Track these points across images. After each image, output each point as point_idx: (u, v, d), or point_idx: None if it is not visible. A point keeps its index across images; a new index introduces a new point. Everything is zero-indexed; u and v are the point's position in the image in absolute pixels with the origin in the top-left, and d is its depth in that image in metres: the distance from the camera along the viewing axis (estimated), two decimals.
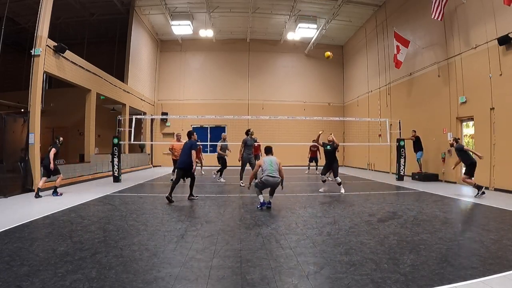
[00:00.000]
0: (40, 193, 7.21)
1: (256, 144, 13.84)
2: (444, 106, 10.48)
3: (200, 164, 12.85)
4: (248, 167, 9.32)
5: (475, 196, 7.12)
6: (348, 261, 3.19)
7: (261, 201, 6.01)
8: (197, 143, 7.24)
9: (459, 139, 8.11)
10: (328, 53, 11.23)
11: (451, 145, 7.81)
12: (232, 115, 14.58)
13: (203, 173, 13.39)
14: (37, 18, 8.53)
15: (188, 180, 7.65)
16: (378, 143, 13.92)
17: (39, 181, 7.50)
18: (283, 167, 6.17)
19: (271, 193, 6.12)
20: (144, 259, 3.22)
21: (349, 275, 2.82)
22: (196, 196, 7.06)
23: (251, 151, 9.35)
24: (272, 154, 6.29)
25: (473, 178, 7.35)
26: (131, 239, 3.95)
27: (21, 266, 2.98)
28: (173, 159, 10.46)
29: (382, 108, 14.84)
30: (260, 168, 6.08)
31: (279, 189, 6.17)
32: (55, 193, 7.38)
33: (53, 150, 7.39)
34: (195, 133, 7.29)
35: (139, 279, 2.74)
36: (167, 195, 6.56)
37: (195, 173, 7.09)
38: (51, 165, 7.31)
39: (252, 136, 9.53)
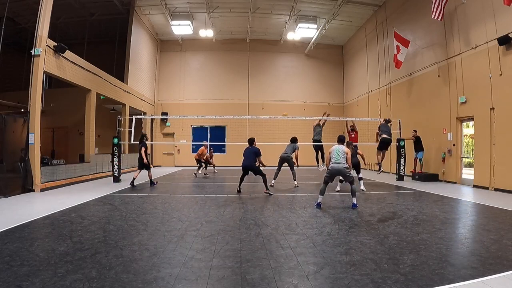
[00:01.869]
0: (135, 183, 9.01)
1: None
2: (444, 106, 10.48)
3: (213, 165, 14.19)
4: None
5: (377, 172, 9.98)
6: (348, 261, 3.18)
7: (318, 201, 6.08)
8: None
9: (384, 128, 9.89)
10: None
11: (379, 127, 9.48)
12: (232, 115, 14.58)
13: (216, 171, 14.58)
14: (37, 18, 8.52)
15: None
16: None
17: (135, 173, 9.27)
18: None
19: (350, 181, 6.12)
20: (144, 259, 3.22)
21: (349, 275, 2.82)
22: (271, 193, 7.70)
23: None
24: (343, 143, 6.54)
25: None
26: (131, 239, 3.95)
27: (21, 266, 2.98)
28: (196, 158, 12.68)
29: (382, 108, 14.84)
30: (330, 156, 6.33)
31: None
32: (152, 184, 9.34)
33: (143, 149, 9.13)
34: (255, 141, 8.24)
35: (139, 279, 2.74)
36: (237, 188, 8.02)
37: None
38: (145, 161, 9.10)
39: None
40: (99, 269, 2.92)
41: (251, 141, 8.20)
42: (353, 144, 8.95)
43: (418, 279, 2.72)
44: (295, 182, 9.39)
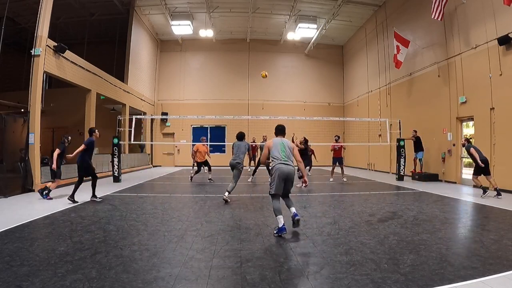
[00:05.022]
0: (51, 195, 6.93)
1: (253, 144, 13.96)
2: (444, 106, 10.48)
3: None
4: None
5: (481, 196, 7.14)
6: (348, 261, 3.18)
7: (280, 225, 4.06)
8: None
9: (471, 138, 8.22)
10: None
11: (463, 145, 7.74)
12: (232, 115, 14.58)
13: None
14: (37, 18, 8.53)
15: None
16: (378, 143, 13.91)
17: (50, 184, 7.09)
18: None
19: (286, 194, 4.45)
20: (144, 259, 3.22)
21: (349, 275, 2.82)
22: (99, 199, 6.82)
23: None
24: (284, 136, 4.69)
25: (487, 177, 7.34)
26: (131, 239, 3.94)
27: (21, 266, 2.98)
28: (197, 161, 10.81)
29: (382, 108, 14.84)
30: (269, 154, 4.48)
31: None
32: (45, 195, 6.81)
33: (56, 151, 6.87)
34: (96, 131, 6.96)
35: (139, 279, 2.74)
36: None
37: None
38: (53, 166, 6.84)
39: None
40: (99, 269, 2.92)
41: (92, 131, 6.86)
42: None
43: (418, 279, 2.72)
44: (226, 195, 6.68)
